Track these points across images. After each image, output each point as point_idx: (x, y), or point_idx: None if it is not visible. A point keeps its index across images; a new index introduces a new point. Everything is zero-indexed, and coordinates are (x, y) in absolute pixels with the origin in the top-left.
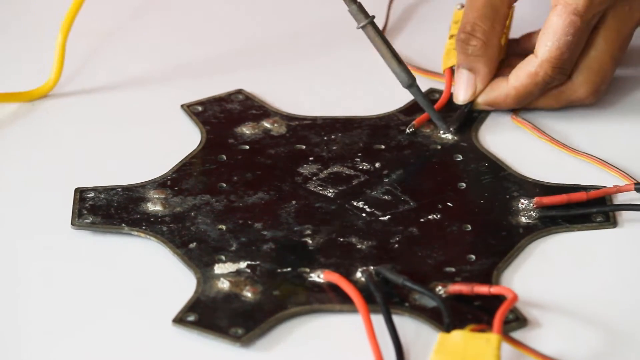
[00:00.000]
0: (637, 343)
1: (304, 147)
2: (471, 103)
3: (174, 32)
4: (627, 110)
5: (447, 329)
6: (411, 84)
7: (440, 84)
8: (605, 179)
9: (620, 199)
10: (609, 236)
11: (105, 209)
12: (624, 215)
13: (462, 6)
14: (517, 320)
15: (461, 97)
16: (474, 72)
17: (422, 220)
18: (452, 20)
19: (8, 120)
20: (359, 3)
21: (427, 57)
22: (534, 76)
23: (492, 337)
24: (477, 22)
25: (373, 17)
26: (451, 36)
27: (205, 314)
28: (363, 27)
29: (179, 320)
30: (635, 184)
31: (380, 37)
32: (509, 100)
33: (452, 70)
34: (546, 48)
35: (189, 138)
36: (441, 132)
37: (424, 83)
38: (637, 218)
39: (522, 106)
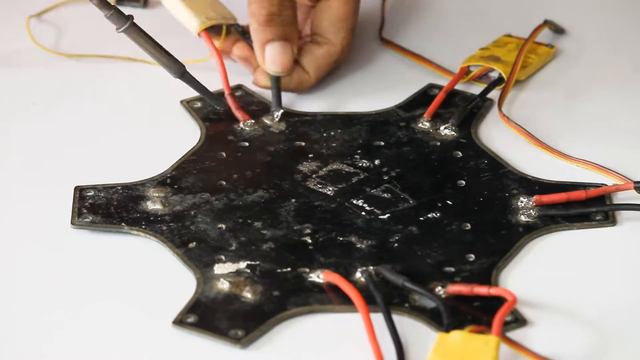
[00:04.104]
0: (636, 344)
1: (303, 143)
2: (476, 100)
3: (174, 26)
4: (623, 112)
5: (447, 329)
6: (183, 73)
7: (438, 77)
8: (604, 178)
9: (620, 197)
10: (608, 235)
11: (105, 208)
12: (623, 214)
13: (510, 35)
14: (517, 321)
15: (282, 65)
16: (289, 41)
17: (421, 218)
18: (493, 41)
19: (8, 118)
20: (116, 8)
21: (426, 50)
22: (333, 64)
23: (490, 339)
24: None
25: (132, 17)
26: (483, 49)
27: (205, 316)
28: (125, 30)
29: (179, 322)
30: (634, 183)
31: (144, 35)
32: (309, 88)
33: (466, 69)
34: (342, 36)
35: (188, 134)
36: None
37: (425, 75)
38: (636, 217)
39: None
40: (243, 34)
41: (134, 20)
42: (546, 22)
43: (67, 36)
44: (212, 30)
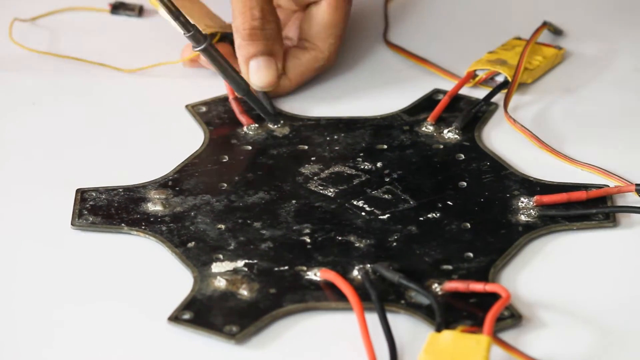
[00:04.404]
0: (633, 343)
1: (306, 147)
2: (481, 104)
3: (168, 34)
4: (625, 113)
5: (438, 328)
6: (248, 91)
7: (444, 80)
8: (606, 181)
9: (621, 200)
10: (608, 236)
11: (106, 209)
12: (623, 216)
13: (519, 37)
14: (512, 317)
15: (266, 81)
16: (273, 56)
17: (421, 218)
18: (502, 44)
19: (11, 118)
20: (196, 27)
21: (432, 53)
22: (318, 70)
23: (482, 339)
24: (265, 7)
25: (209, 37)
26: (491, 52)
27: (201, 312)
28: (202, 50)
29: (175, 318)
30: (636, 185)
31: (218, 54)
32: (290, 91)
33: (473, 73)
34: (330, 43)
35: (192, 138)
36: (271, 124)
37: (430, 79)
38: (636, 219)
39: None
40: None
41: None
42: (545, 24)
43: (67, 41)
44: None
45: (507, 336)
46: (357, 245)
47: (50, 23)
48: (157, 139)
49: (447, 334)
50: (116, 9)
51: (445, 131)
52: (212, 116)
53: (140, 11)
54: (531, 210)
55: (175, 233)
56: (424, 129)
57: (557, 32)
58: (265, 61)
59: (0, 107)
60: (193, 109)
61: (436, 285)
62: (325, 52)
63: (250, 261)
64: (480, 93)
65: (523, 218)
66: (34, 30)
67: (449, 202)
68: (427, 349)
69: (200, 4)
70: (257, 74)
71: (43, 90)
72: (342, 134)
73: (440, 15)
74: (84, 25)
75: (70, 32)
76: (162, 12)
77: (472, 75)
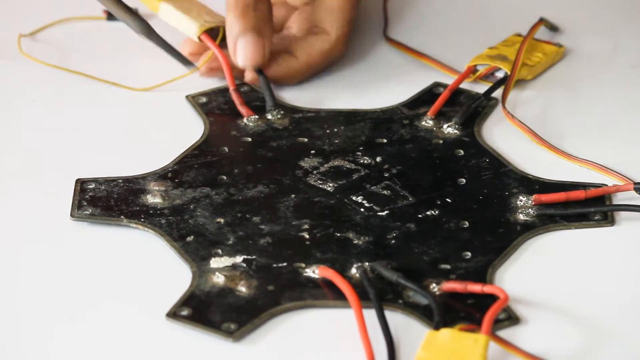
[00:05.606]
0: (631, 342)
1: (306, 140)
2: (481, 98)
3: (166, 36)
4: (624, 109)
5: (437, 326)
6: (149, 31)
7: (443, 76)
8: (605, 178)
9: (620, 198)
10: (606, 235)
11: (105, 201)
12: (622, 215)
13: (520, 34)
14: (510, 319)
15: (252, 58)
16: (262, 36)
17: (420, 216)
18: (503, 40)
19: (10, 111)
20: (135, 11)
21: (432, 48)
22: (327, 54)
23: (480, 337)
24: None
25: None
26: (491, 48)
27: (199, 309)
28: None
29: (173, 314)
30: (634, 184)
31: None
32: (299, 76)
33: (473, 68)
34: (337, 26)
35: (192, 129)
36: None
37: (431, 74)
38: (635, 218)
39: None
40: None
41: None
42: (541, 20)
43: (71, 54)
44: (211, 34)
45: (504, 334)
46: (355, 242)
47: (50, 37)
48: (157, 129)
49: (445, 332)
50: (112, 15)
51: (445, 126)
52: (212, 107)
53: None
54: (530, 209)
55: (175, 226)
56: (423, 123)
57: (553, 28)
58: (254, 38)
59: (0, 101)
60: (193, 99)
61: (434, 285)
62: (332, 35)
63: (249, 257)
64: (480, 88)
65: (521, 217)
66: (35, 45)
67: (448, 199)
68: (425, 346)
69: (199, 4)
70: (244, 51)
71: (44, 88)
72: (342, 127)
73: (440, 11)
74: (84, 36)
75: (73, 44)
76: (163, 15)
77: (473, 70)
